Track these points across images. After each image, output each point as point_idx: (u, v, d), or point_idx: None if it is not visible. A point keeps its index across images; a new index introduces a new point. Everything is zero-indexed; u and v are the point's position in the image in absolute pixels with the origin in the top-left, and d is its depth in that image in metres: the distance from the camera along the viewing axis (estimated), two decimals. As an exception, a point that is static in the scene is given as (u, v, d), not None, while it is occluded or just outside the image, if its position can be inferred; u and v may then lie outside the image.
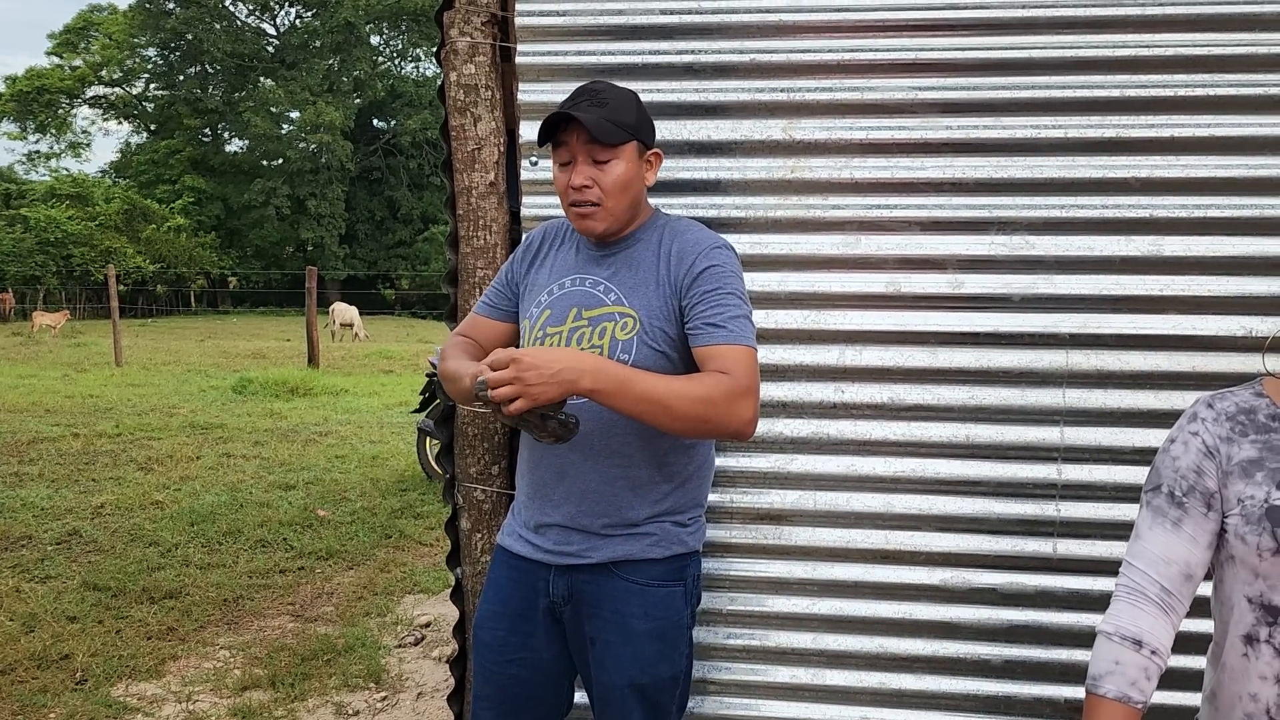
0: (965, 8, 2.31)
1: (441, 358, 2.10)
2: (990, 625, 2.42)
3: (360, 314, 25.07)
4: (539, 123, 2.19)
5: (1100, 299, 2.34)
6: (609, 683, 1.99)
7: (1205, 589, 1.55)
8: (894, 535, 2.44)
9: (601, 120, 1.89)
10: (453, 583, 2.68)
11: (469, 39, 2.43)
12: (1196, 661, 1.83)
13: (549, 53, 2.43)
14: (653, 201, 2.38)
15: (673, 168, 2.42)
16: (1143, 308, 2.33)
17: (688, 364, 1.94)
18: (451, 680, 2.78)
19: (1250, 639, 1.42)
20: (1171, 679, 2.25)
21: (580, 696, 2.19)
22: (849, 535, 2.45)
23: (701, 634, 2.50)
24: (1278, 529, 1.36)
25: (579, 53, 2.42)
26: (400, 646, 4.33)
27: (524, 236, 2.15)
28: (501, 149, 2.49)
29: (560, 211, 2.20)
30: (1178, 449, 1.48)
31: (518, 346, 2.08)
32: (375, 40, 46.34)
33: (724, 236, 2.35)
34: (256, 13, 46.56)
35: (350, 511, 6.57)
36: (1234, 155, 2.28)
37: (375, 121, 47.36)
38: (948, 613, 2.44)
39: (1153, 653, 1.44)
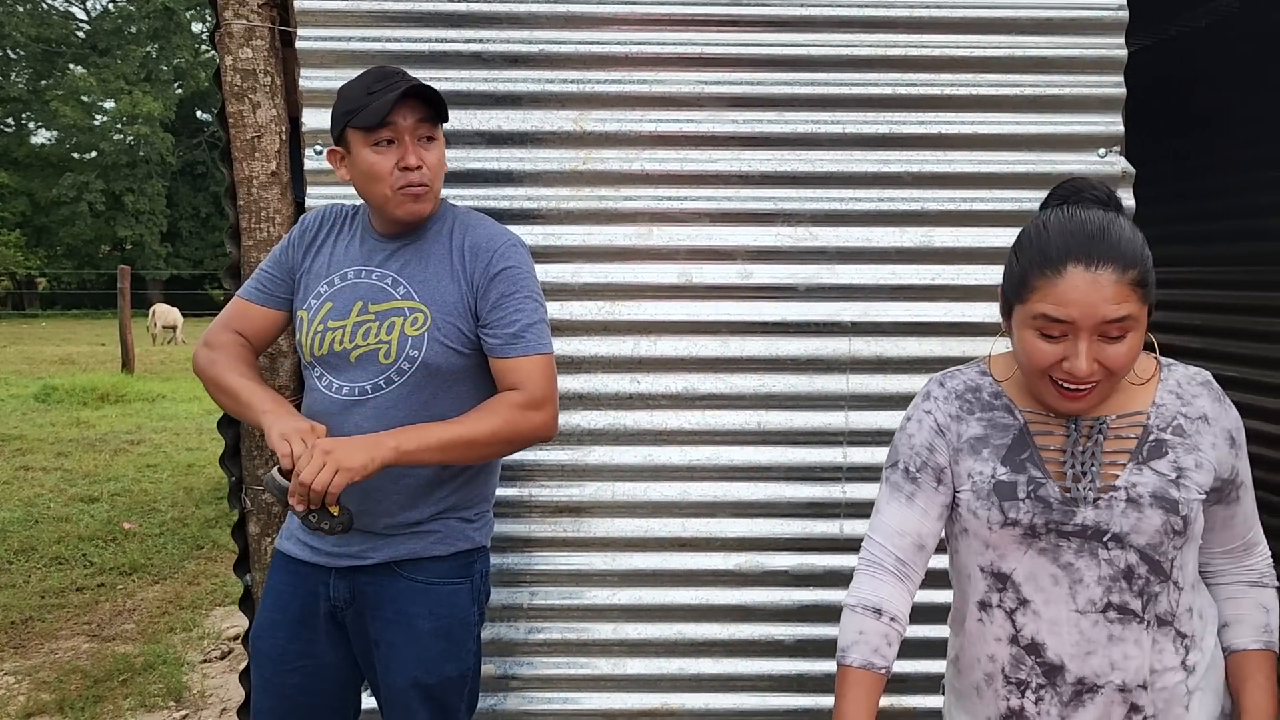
0: (748, 4, 2.36)
1: (208, 361, 1.96)
2: (783, 607, 2.48)
3: (185, 315, 23.81)
4: (324, 110, 2.13)
5: (878, 288, 2.43)
6: (394, 684, 1.94)
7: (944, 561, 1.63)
8: (691, 523, 2.47)
9: (438, 97, 1.87)
10: (242, 590, 2.56)
11: (245, 21, 2.33)
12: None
13: (332, 38, 2.35)
14: (444, 193, 2.34)
15: (463, 158, 2.38)
16: (917, 296, 2.44)
17: (480, 359, 1.91)
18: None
19: (984, 605, 1.50)
20: (924, 648, 2.37)
21: (369, 701, 2.13)
22: (647, 525, 2.47)
23: (503, 630, 2.48)
24: (1005, 503, 1.43)
25: (363, 39, 2.35)
26: (205, 662, 4.12)
27: (299, 220, 2.05)
28: (284, 137, 2.39)
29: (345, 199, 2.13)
30: (913, 427, 1.54)
31: (294, 338, 2.00)
32: (197, 28, 44.18)
33: (516, 229, 2.35)
34: (64, -5, 43.66)
35: (159, 523, 6.22)
36: (995, 151, 2.41)
37: (199, 113, 45.11)
38: (743, 596, 2.49)
39: (892, 619, 1.50)
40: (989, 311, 2.43)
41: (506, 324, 1.87)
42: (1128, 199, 2.42)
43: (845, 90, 2.39)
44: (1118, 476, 1.42)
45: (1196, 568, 1.51)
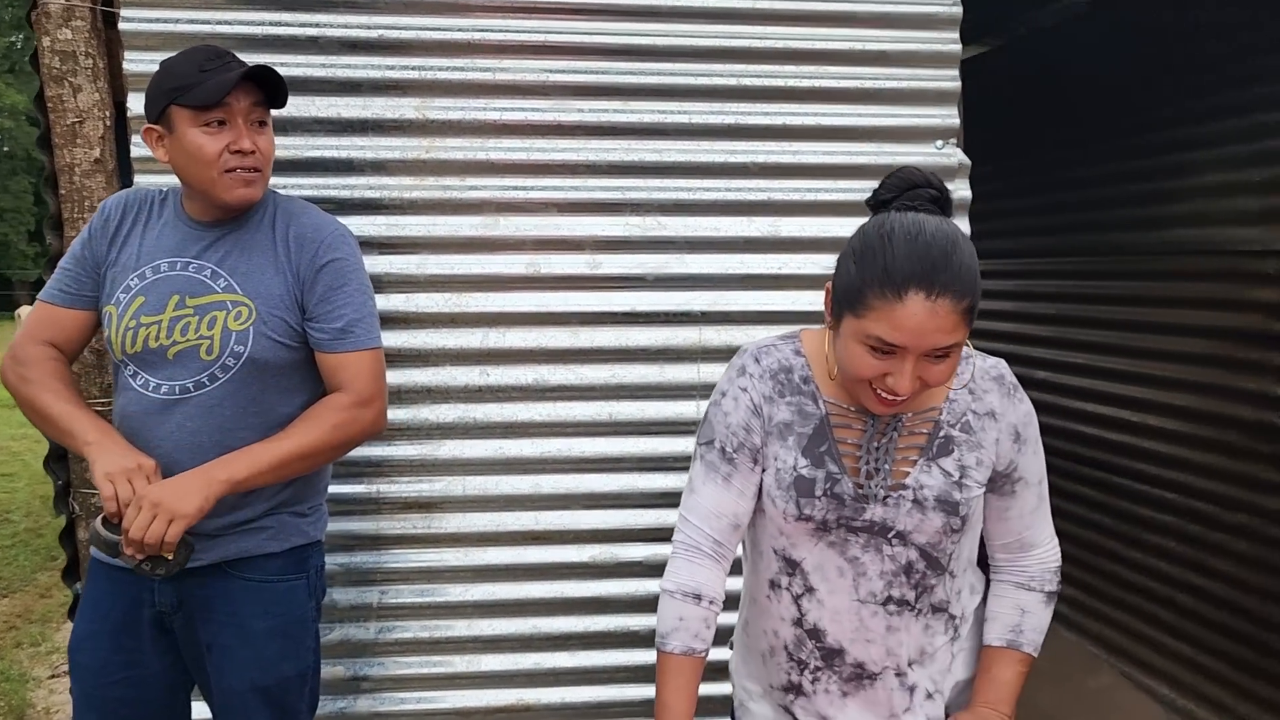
0: (593, -7, 2.35)
1: (19, 380, 1.83)
2: (638, 597, 2.48)
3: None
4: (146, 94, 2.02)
5: (727, 278, 2.45)
6: (230, 689, 1.87)
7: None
8: (544, 516, 2.45)
9: (278, 82, 1.80)
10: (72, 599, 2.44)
11: (63, 0, 2.21)
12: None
13: (159, 20, 2.25)
14: (278, 181, 2.27)
15: (301, 146, 2.31)
16: (765, 285, 2.46)
17: (309, 352, 1.86)
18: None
19: (774, 584, 1.53)
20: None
21: (200, 709, 2.05)
22: (500, 519, 2.44)
23: (352, 631, 2.42)
24: (801, 499, 1.45)
25: (192, 20, 2.26)
26: (53, 677, 3.93)
27: (99, 208, 1.93)
28: (108, 123, 2.28)
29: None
30: (729, 404, 1.51)
31: (103, 336, 1.89)
32: (64, 17, 42.04)
33: (358, 219, 2.30)
34: (-84, -20, 41.06)
35: (12, 534, 5.91)
36: (838, 143, 2.45)
37: (68, 107, 42.98)
38: (598, 588, 2.48)
39: (710, 603, 1.50)
40: (835, 300, 2.47)
41: (334, 318, 1.82)
42: (964, 190, 2.49)
43: (691, 81, 2.40)
44: (907, 475, 1.45)
45: (973, 551, 1.56)
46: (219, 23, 2.26)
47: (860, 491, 1.44)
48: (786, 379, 1.50)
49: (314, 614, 1.96)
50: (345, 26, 2.30)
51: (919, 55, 2.46)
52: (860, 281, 1.31)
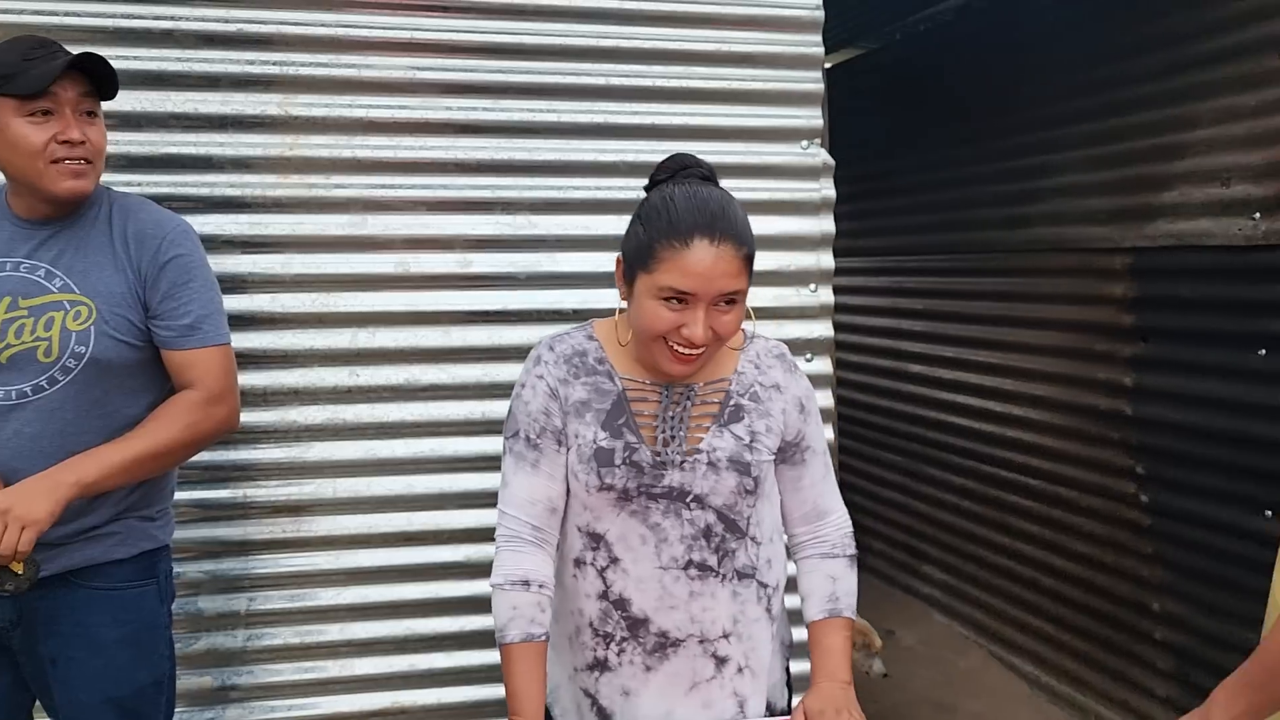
0: (459, -9, 2.34)
1: None
2: (514, 595, 2.48)
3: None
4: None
5: (599, 276, 2.46)
6: (79, 702, 1.81)
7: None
8: (417, 517, 2.43)
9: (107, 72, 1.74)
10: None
11: (-107, -13, 2.10)
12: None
13: (1, 10, 2.16)
14: (136, 178, 2.21)
15: (157, 142, 2.25)
16: (637, 283, 2.49)
17: (154, 351, 1.81)
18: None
19: (579, 563, 1.58)
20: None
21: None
22: (372, 521, 2.41)
23: (220, 639, 2.36)
24: (602, 469, 1.51)
25: (36, 12, 2.17)
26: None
27: None
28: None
29: None
30: (528, 394, 1.56)
31: None
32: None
33: (219, 217, 2.26)
34: None
35: None
36: (706, 142, 2.48)
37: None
38: (474, 588, 2.47)
39: (540, 586, 1.53)
40: (705, 297, 2.52)
41: (180, 315, 1.77)
42: (828, 190, 2.57)
43: (560, 80, 2.41)
44: (701, 440, 1.53)
45: (777, 523, 1.65)
46: (66, 14, 2.18)
47: (658, 458, 1.51)
48: (581, 361, 1.57)
49: (166, 620, 1.92)
50: (202, 20, 2.24)
51: (783, 57, 2.52)
52: (649, 238, 1.44)
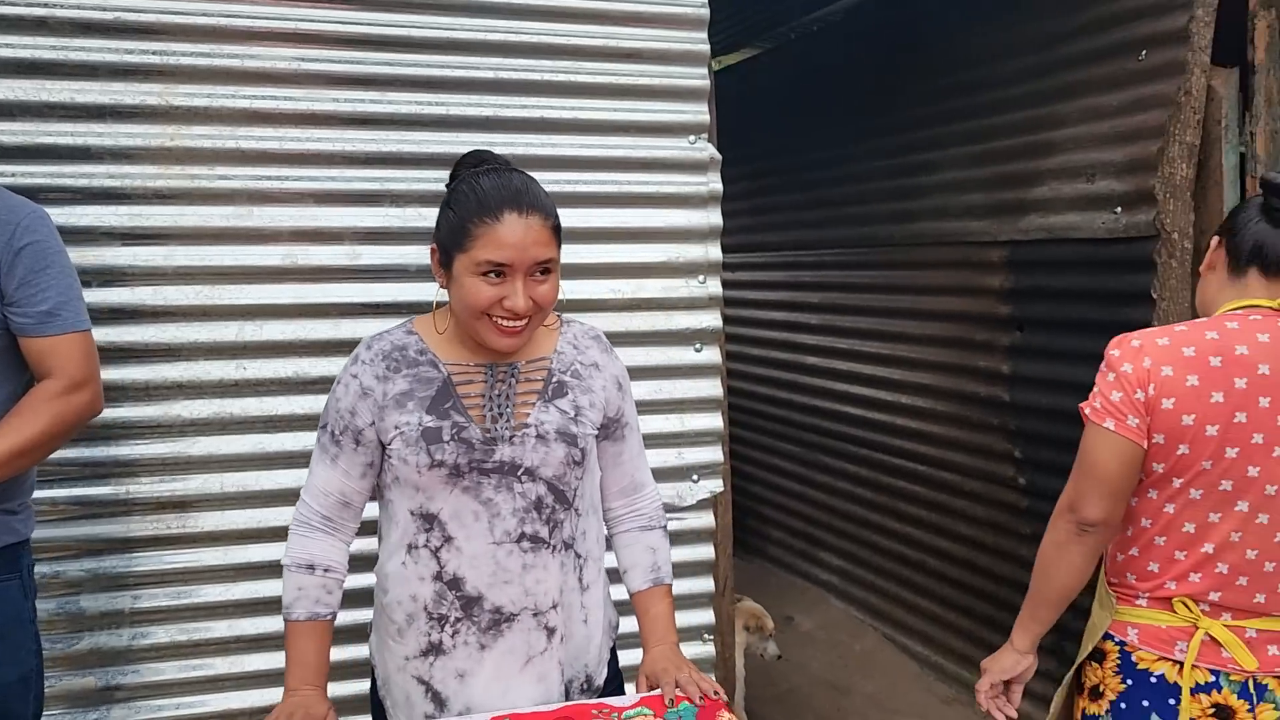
0: (346, -18, 2.34)
1: None
2: (408, 586, 2.49)
3: None
4: None
5: (490, 268, 2.49)
6: (-58, 702, 1.77)
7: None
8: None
9: None
10: None
11: None
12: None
13: None
14: (10, 168, 2.17)
15: (32, 132, 2.20)
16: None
17: (10, 340, 1.77)
18: None
19: (412, 547, 1.61)
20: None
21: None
22: (261, 515, 2.40)
23: (103, 639, 2.32)
24: (431, 446, 1.55)
25: (-102, -4, 2.10)
26: None
27: None
28: None
29: None
30: (340, 390, 1.62)
31: None
32: None
33: (98, 208, 2.22)
34: None
35: None
36: (595, 136, 2.54)
37: None
38: (369, 580, 2.46)
39: (325, 570, 1.63)
40: (595, 287, 2.56)
41: (38, 302, 1.74)
42: (715, 183, 2.63)
43: (447, 73, 2.43)
44: (529, 415, 1.60)
45: (595, 497, 1.73)
46: (-68, -2, 2.12)
47: (488, 434, 1.57)
48: (401, 355, 1.62)
49: (30, 614, 1.88)
50: (78, 7, 2.20)
51: (670, 54, 2.57)
52: (461, 220, 1.52)
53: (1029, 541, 3.47)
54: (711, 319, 2.67)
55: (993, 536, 3.63)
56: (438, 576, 1.59)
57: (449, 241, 1.54)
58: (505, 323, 1.53)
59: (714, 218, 2.65)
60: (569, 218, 2.51)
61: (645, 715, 1.56)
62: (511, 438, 1.58)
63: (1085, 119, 3.09)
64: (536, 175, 2.45)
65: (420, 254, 2.44)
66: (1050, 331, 3.31)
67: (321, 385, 2.39)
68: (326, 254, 2.39)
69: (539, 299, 1.54)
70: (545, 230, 1.54)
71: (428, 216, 2.43)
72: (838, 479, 4.63)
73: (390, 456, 1.58)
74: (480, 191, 1.53)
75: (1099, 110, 3.04)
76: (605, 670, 1.75)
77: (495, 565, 1.58)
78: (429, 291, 2.43)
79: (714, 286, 2.67)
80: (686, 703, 1.60)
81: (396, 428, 1.56)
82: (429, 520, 1.58)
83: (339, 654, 2.38)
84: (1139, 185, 2.88)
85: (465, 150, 2.39)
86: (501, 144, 2.47)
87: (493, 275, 1.50)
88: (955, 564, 3.85)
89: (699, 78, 2.61)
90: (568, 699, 1.65)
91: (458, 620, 1.59)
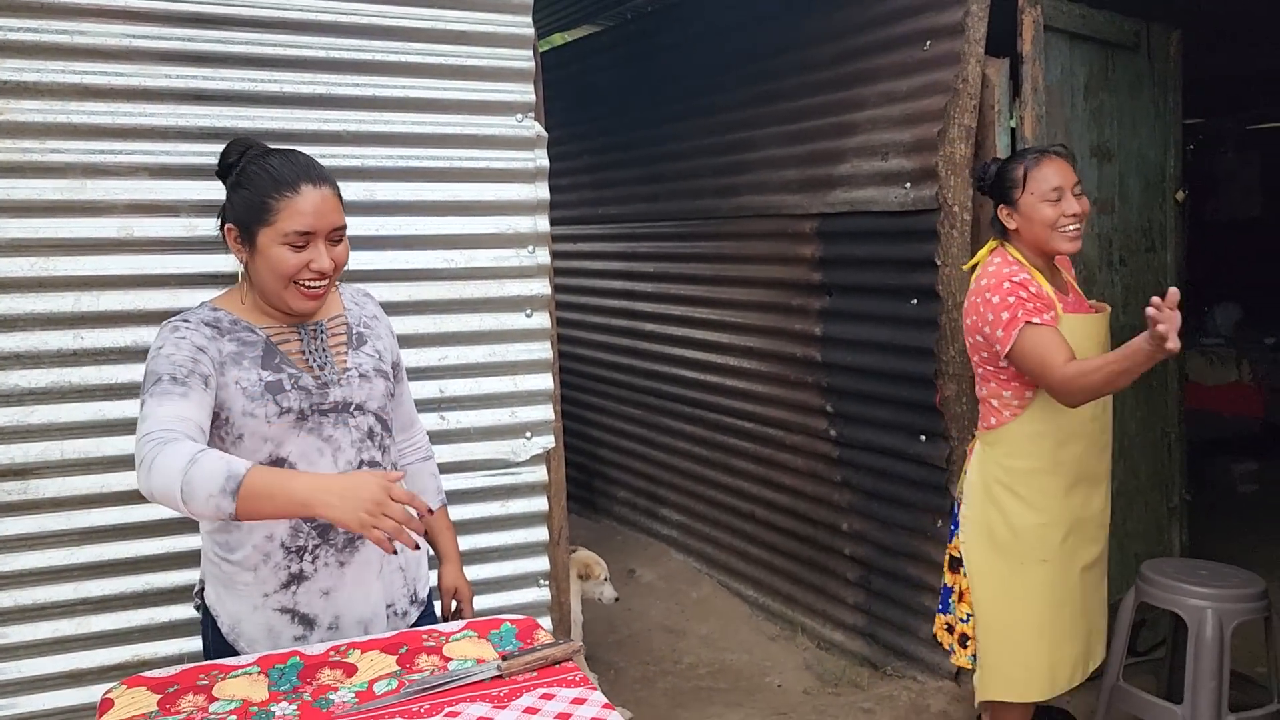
0: (172, -39, 2.41)
1: None
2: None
3: None
4: None
5: (327, 239, 2.61)
6: None
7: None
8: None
9: None
10: None
11: None
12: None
13: None
14: None
15: None
16: (365, 246, 2.64)
17: None
18: None
19: None
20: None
21: None
22: (104, 480, 2.46)
23: (-58, 607, 2.35)
24: (277, 396, 1.73)
25: None
26: None
27: None
28: None
29: None
30: (170, 348, 1.68)
31: None
32: None
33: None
34: None
35: None
36: (426, 114, 2.68)
37: None
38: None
39: (202, 432, 1.62)
40: (430, 258, 2.71)
41: None
42: (543, 159, 2.81)
43: (280, 51, 2.52)
44: (346, 360, 1.85)
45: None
46: None
47: (319, 380, 1.79)
48: (218, 324, 1.77)
49: None
50: (-104, -20, 2.21)
51: (497, 36, 2.73)
52: (260, 197, 1.70)
53: (841, 488, 3.82)
54: (541, 286, 2.85)
55: (811, 485, 3.97)
56: None
57: (248, 218, 1.71)
58: (310, 285, 1.73)
59: (541, 192, 2.83)
60: (403, 192, 2.70)
61: (470, 637, 1.76)
62: (339, 380, 1.80)
63: (881, 103, 3.41)
64: (371, 151, 2.66)
65: (257, 226, 2.54)
66: (854, 296, 3.64)
67: (161, 353, 2.48)
68: (162, 226, 2.46)
69: (337, 259, 1.76)
70: (335, 199, 1.75)
71: (264, 190, 2.54)
72: (676, 439, 4.91)
73: (230, 418, 1.71)
74: (273, 169, 1.71)
75: (891, 95, 3.37)
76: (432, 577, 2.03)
77: None
78: (267, 262, 2.55)
79: (543, 256, 2.85)
80: (508, 623, 1.81)
81: (237, 382, 1.71)
82: (279, 465, 1.74)
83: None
84: (924, 163, 3.22)
85: (300, 126, 2.57)
86: (335, 120, 2.59)
87: (298, 243, 1.69)
88: (780, 512, 4.18)
89: (524, 60, 2.78)
90: (413, 603, 1.91)
91: (316, 548, 1.78)
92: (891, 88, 3.36)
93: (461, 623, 1.85)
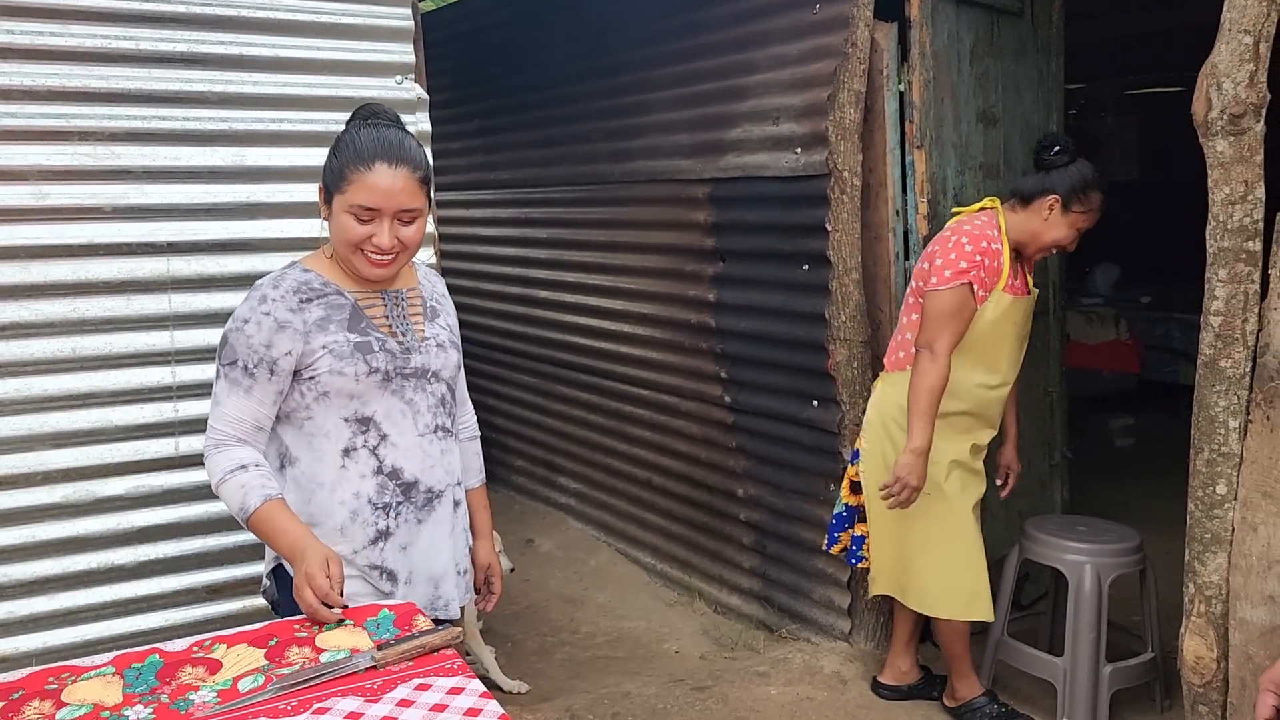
0: (13, -95, 2.22)
1: None
2: (122, 531, 2.47)
3: None
4: None
5: (194, 208, 2.47)
6: None
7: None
8: (6, 460, 2.35)
9: None
10: None
11: None
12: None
13: None
14: None
15: None
16: (235, 215, 2.52)
17: None
18: None
19: (349, 450, 1.85)
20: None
21: None
22: (-40, 460, 2.30)
23: None
24: (367, 356, 1.82)
25: None
26: None
27: None
28: None
29: None
30: (251, 328, 1.78)
31: None
32: None
33: None
34: None
35: None
36: (298, 74, 2.55)
37: None
38: (76, 527, 2.44)
39: (256, 465, 1.81)
40: (308, 227, 2.59)
41: None
42: (424, 123, 2.70)
43: (135, 6, 2.36)
44: (424, 329, 1.93)
45: None
46: None
47: (403, 345, 1.87)
48: (308, 289, 1.84)
49: None
50: None
51: (373, -7, 2.61)
52: (339, 165, 1.77)
53: (736, 454, 3.83)
54: (427, 254, 2.75)
55: (706, 451, 3.97)
56: (378, 471, 1.85)
57: (330, 183, 1.79)
58: (374, 255, 1.79)
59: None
60: (274, 157, 2.57)
61: (345, 625, 1.69)
62: (420, 347, 1.89)
63: (771, 66, 3.38)
64: (240, 113, 2.52)
65: (116, 193, 2.40)
66: (746, 261, 3.63)
67: (13, 330, 2.32)
68: (10, 194, 2.30)
69: (405, 240, 1.80)
70: (412, 181, 1.78)
71: (121, 155, 2.41)
72: (573, 407, 4.86)
73: (316, 377, 1.79)
74: (358, 142, 1.76)
75: (782, 59, 3.34)
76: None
77: (422, 453, 1.89)
78: (128, 232, 2.43)
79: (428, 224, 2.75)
80: (385, 609, 1.74)
81: (324, 347, 1.79)
82: (364, 423, 1.84)
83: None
84: (814, 128, 3.21)
85: (161, 86, 2.42)
86: (200, 80, 2.45)
87: (363, 216, 1.75)
88: (676, 479, 4.17)
89: (403, 18, 2.66)
90: (472, 561, 2.08)
91: (399, 504, 1.88)
92: (782, 51, 3.33)
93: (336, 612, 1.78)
